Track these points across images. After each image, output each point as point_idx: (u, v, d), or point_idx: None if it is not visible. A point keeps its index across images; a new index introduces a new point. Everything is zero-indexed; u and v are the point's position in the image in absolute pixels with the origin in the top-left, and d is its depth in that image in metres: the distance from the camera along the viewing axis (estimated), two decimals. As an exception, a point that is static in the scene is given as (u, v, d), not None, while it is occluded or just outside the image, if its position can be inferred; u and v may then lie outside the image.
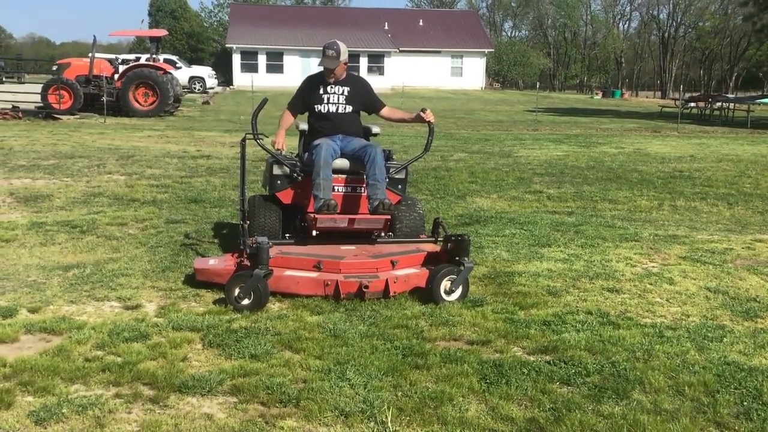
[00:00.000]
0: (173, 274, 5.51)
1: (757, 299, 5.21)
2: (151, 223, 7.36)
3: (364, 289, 4.86)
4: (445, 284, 4.99)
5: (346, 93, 5.86)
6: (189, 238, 6.74)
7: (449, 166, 12.45)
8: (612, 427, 3.22)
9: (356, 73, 6.13)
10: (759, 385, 3.69)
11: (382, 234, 5.67)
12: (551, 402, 3.47)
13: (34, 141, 14.49)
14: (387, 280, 4.95)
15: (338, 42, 5.76)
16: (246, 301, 4.72)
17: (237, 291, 4.73)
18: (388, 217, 5.45)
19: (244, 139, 5.67)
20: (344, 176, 5.62)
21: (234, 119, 23.59)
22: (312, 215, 5.32)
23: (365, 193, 5.53)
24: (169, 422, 3.19)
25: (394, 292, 4.99)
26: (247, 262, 4.92)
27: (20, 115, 20.50)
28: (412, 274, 5.17)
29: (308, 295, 4.88)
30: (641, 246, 6.76)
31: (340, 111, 5.82)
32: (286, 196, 5.66)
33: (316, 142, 5.60)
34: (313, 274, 5.00)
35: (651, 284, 5.52)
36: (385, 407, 3.35)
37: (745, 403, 3.50)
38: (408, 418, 3.28)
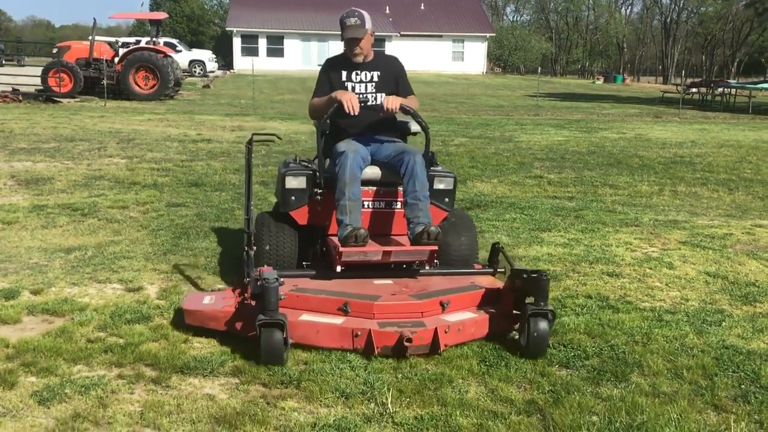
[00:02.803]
0: (174, 257, 5.53)
1: (756, 284, 5.23)
2: (152, 207, 7.37)
3: (406, 343, 3.65)
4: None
5: (376, 78, 4.70)
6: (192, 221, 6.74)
7: (450, 150, 12.44)
8: (610, 409, 3.25)
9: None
10: (757, 369, 3.72)
11: (427, 267, 4.49)
12: (550, 384, 3.50)
13: (35, 124, 14.48)
14: (436, 329, 3.75)
15: (359, 9, 4.60)
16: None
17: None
18: (435, 248, 4.27)
19: (250, 141, 4.66)
20: (374, 188, 4.57)
21: (234, 103, 23.54)
22: (336, 247, 4.22)
23: (402, 210, 4.43)
24: (172, 403, 3.22)
25: (446, 346, 3.80)
26: (251, 301, 3.84)
27: (20, 98, 20.46)
28: (469, 320, 3.97)
29: (331, 349, 3.78)
30: (641, 231, 6.77)
31: (369, 104, 4.64)
32: (302, 216, 4.57)
33: (341, 147, 4.45)
34: (338, 320, 3.85)
35: (651, 269, 5.54)
36: (386, 389, 3.37)
37: (742, 386, 3.53)
38: (408, 399, 3.31)
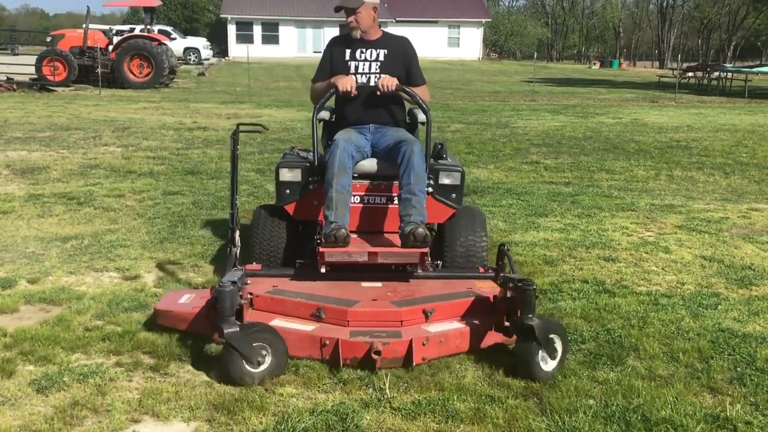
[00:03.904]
0: (171, 245, 5.53)
1: (752, 267, 5.25)
2: (149, 195, 7.36)
3: (374, 356, 3.36)
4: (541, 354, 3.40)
5: (381, 58, 4.35)
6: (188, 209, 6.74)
7: (446, 137, 12.42)
8: (607, 392, 3.27)
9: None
10: (752, 351, 3.74)
11: (420, 270, 4.07)
12: (547, 368, 3.51)
13: (29, 113, 14.42)
14: (411, 341, 3.44)
15: None
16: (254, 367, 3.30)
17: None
18: (425, 251, 3.94)
19: (235, 132, 4.32)
20: (370, 182, 4.30)
21: (230, 91, 23.46)
22: (317, 247, 3.94)
23: (397, 205, 4.14)
24: (170, 390, 3.23)
25: (423, 359, 3.48)
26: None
27: (14, 87, 20.36)
28: (454, 331, 3.62)
29: (299, 358, 3.50)
30: (637, 215, 6.78)
31: (372, 86, 4.31)
32: (296, 209, 4.34)
33: (337, 136, 4.22)
34: (309, 328, 3.58)
35: (647, 253, 5.55)
36: (383, 374, 3.38)
37: (738, 369, 3.55)
38: (405, 384, 3.32)
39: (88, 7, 22.44)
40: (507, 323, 3.59)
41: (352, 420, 3.00)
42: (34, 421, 2.95)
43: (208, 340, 3.64)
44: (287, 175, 4.30)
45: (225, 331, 3.25)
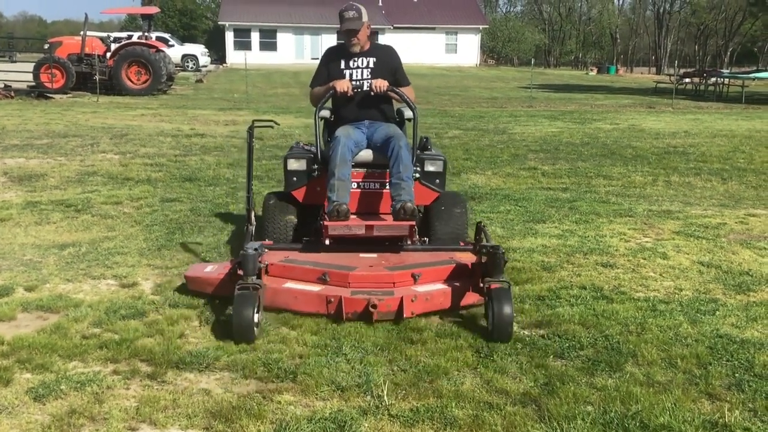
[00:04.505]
0: (169, 252, 5.52)
1: (750, 273, 5.25)
2: (146, 202, 7.36)
3: (372, 309, 4.00)
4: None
5: (371, 65, 5.07)
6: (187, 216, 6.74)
7: (444, 143, 12.44)
8: (605, 398, 3.26)
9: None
10: (750, 357, 3.74)
11: (409, 242, 4.75)
12: (545, 375, 3.51)
13: (27, 120, 14.42)
14: (402, 297, 4.06)
15: (356, 3, 5.03)
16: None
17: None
18: (413, 223, 4.60)
19: (251, 127, 5.14)
20: (366, 170, 4.98)
21: (228, 97, 23.49)
22: (323, 221, 4.66)
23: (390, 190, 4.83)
24: (167, 398, 3.22)
25: (410, 315, 4.08)
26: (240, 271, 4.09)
27: (12, 94, 20.37)
28: (437, 291, 4.26)
29: (308, 314, 4.14)
30: (635, 221, 6.79)
31: (365, 89, 5.04)
32: (302, 195, 5.05)
33: (337, 133, 4.89)
34: (316, 288, 4.23)
35: (644, 259, 5.56)
36: (381, 381, 3.38)
37: (736, 375, 3.55)
38: (404, 391, 3.32)
39: (86, 14, 22.59)
40: (481, 285, 4.15)
41: (350, 427, 2.99)
42: (31, 430, 2.94)
43: (208, 346, 3.63)
44: (294, 164, 5.01)
45: (248, 279, 3.93)
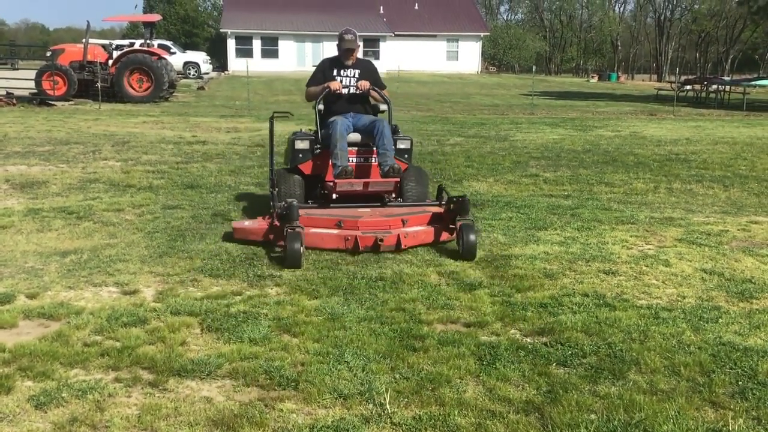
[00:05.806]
0: (170, 259, 5.52)
1: (753, 280, 5.24)
2: (148, 209, 7.36)
3: (379, 242, 5.62)
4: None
5: (356, 75, 6.77)
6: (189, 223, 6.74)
7: (446, 150, 12.44)
8: (608, 407, 3.25)
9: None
10: (754, 365, 3.72)
11: (392, 197, 6.50)
12: (548, 383, 3.50)
13: (29, 127, 14.44)
14: (399, 235, 5.70)
15: (352, 28, 6.85)
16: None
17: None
18: (398, 180, 6.33)
19: (272, 117, 7.03)
20: (356, 148, 6.46)
21: (229, 105, 23.53)
22: (331, 181, 6.22)
23: (375, 163, 6.40)
24: (169, 405, 3.21)
25: (405, 246, 5.74)
26: (276, 223, 5.68)
27: (14, 101, 20.42)
28: (421, 231, 5.95)
29: (331, 249, 5.68)
30: (637, 228, 6.78)
31: (352, 91, 6.73)
32: (307, 168, 6.54)
33: (332, 119, 6.45)
34: (335, 231, 5.77)
35: (647, 266, 5.55)
36: (384, 389, 3.37)
37: (740, 383, 3.53)
38: (406, 399, 3.31)
39: (87, 21, 22.56)
40: (451, 226, 5.93)
41: (352, 436, 2.98)
42: (32, 438, 2.93)
43: (209, 353, 3.61)
44: (300, 144, 6.53)
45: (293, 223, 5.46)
